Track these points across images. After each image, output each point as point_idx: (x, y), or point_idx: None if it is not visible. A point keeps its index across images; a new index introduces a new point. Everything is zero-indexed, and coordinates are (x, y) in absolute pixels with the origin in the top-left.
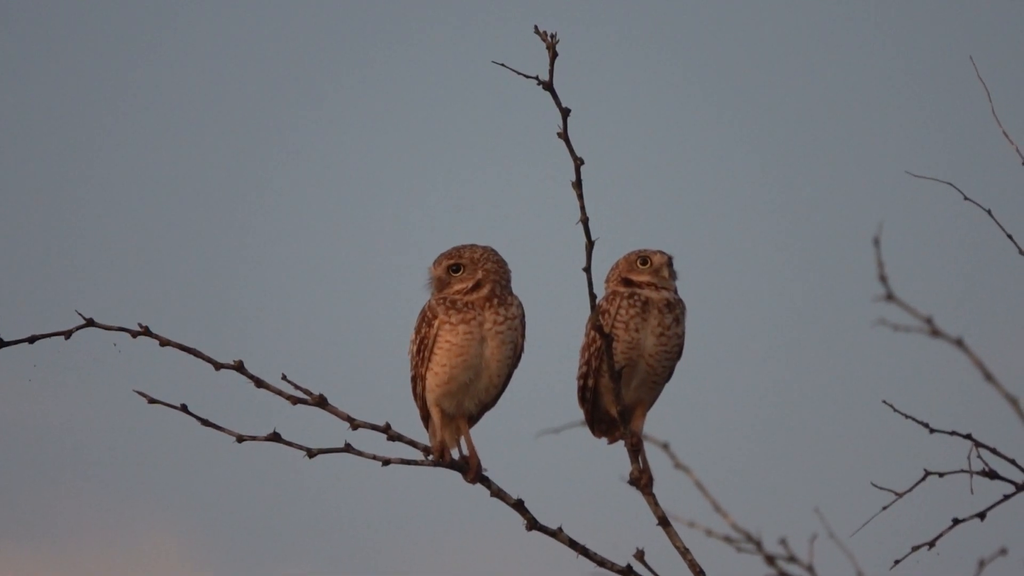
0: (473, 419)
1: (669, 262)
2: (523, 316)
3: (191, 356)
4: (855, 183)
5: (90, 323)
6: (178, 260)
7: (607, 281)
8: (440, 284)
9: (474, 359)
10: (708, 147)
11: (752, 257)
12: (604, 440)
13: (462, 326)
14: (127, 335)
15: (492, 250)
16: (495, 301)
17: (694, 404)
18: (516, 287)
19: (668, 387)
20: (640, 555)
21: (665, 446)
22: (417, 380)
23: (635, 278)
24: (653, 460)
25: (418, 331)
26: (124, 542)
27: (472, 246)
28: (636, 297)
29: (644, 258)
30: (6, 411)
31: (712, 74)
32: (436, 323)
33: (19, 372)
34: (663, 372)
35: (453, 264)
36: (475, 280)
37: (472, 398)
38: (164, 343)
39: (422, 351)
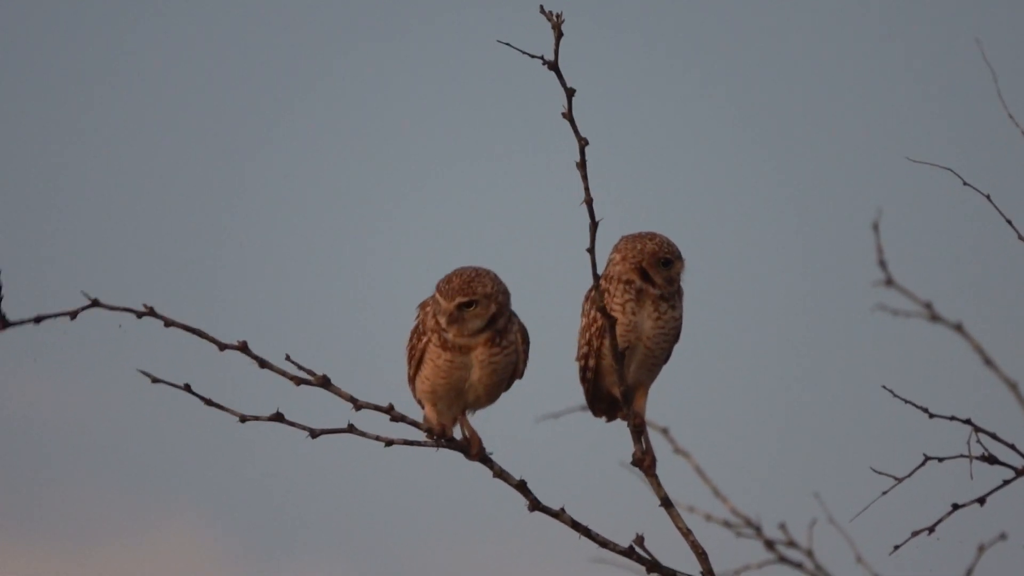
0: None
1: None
2: (525, 340)
3: (195, 337)
4: (854, 168)
5: (95, 303)
6: (182, 241)
7: (613, 263)
8: (451, 319)
9: (458, 382)
10: (710, 130)
11: (751, 242)
12: (604, 420)
13: (445, 354)
14: (132, 316)
15: (497, 278)
16: (496, 339)
17: (693, 390)
18: (518, 269)
19: (668, 372)
20: (640, 540)
21: (665, 431)
22: (409, 378)
23: (651, 274)
24: (653, 446)
25: (411, 336)
26: (137, 531)
27: (480, 278)
28: (632, 284)
29: (668, 261)
30: (8, 402)
31: (715, 57)
32: (425, 339)
33: (23, 357)
34: (661, 354)
35: (466, 302)
36: (490, 314)
37: (460, 407)
38: (168, 323)
39: (411, 359)
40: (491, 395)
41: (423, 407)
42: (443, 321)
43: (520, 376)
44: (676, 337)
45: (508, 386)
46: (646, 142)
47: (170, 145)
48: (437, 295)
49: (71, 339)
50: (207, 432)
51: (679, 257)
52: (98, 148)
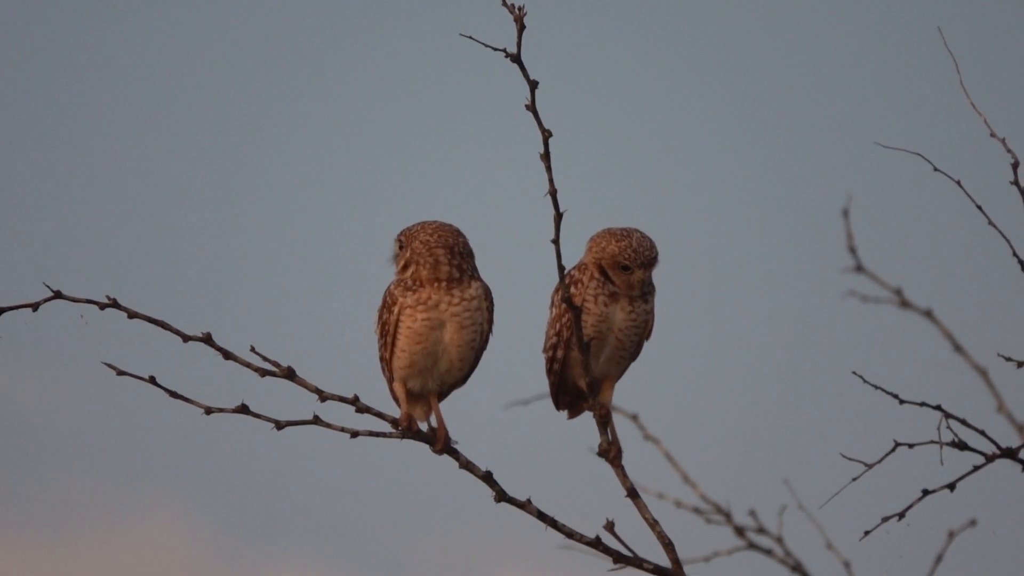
0: (442, 395)
1: (647, 279)
2: (488, 300)
3: (159, 328)
4: (824, 154)
5: (58, 295)
6: (145, 232)
7: (588, 251)
8: (394, 259)
9: (433, 345)
10: (676, 118)
11: (721, 229)
12: (566, 416)
13: (420, 313)
14: (95, 307)
15: (432, 229)
16: (444, 284)
17: (663, 376)
18: (486, 260)
19: (638, 358)
20: (610, 526)
21: (634, 417)
22: (383, 361)
23: (610, 274)
24: (622, 432)
25: (380, 314)
26: (115, 520)
27: (420, 224)
28: (606, 285)
29: (626, 267)
30: None
31: (680, 45)
32: (396, 308)
33: None
34: (631, 347)
35: (398, 241)
36: (404, 260)
37: (435, 380)
38: (132, 315)
39: (384, 335)
40: (464, 360)
41: (395, 396)
42: (439, 260)
43: (486, 343)
44: (648, 333)
45: (476, 360)
46: (611, 133)
47: (130, 136)
48: (416, 240)
49: (43, 328)
50: (180, 421)
51: (643, 265)
52: (58, 138)
